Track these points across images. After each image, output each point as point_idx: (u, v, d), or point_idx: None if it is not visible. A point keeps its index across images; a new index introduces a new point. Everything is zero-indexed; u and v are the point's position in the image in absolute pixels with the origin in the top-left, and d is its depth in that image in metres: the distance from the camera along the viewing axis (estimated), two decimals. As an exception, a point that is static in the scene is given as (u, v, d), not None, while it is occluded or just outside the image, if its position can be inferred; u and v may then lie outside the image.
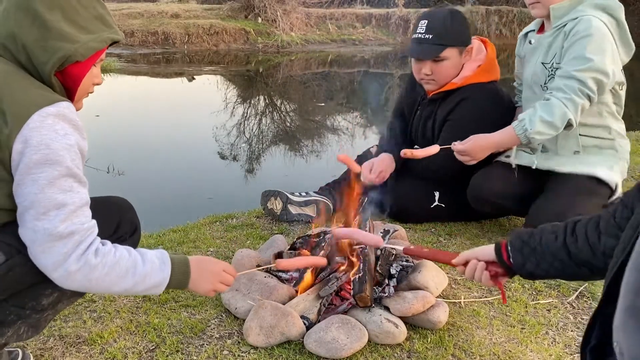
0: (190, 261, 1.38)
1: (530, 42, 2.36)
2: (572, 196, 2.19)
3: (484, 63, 2.48)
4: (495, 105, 2.47)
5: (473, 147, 2.23)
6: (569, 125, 2.12)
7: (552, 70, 2.20)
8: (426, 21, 2.41)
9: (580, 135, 2.27)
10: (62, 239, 1.17)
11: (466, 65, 2.47)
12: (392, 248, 1.66)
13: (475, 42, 2.51)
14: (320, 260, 1.80)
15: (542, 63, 2.25)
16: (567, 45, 2.12)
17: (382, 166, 2.53)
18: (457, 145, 2.26)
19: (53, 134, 1.15)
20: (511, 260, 1.20)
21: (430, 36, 2.39)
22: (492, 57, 2.52)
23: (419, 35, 2.42)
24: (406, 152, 2.28)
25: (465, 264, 1.32)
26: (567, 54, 2.12)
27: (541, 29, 2.36)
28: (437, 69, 2.44)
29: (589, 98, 2.08)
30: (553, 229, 1.15)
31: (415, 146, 2.60)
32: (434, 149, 2.30)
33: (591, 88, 2.07)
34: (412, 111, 2.73)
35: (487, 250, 1.27)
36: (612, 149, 2.31)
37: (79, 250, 1.19)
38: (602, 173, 2.24)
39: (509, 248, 1.21)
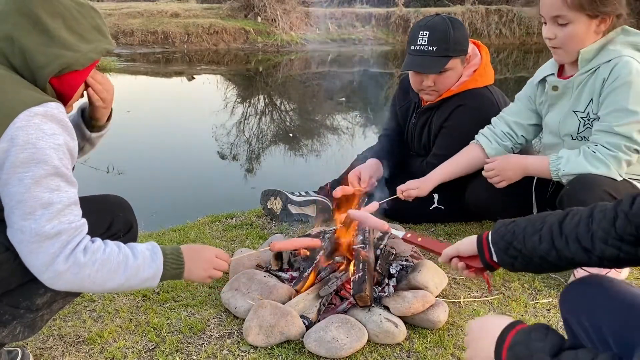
0: (183, 250, 1.40)
1: (554, 88, 2.09)
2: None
3: (479, 67, 2.46)
4: (490, 112, 2.42)
5: (503, 164, 2.13)
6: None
7: (587, 120, 1.99)
8: (427, 32, 2.33)
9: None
10: (50, 239, 1.16)
11: (463, 71, 2.45)
12: (394, 235, 1.68)
13: (470, 45, 2.48)
14: (314, 241, 1.81)
15: (574, 111, 2.02)
16: (605, 92, 1.90)
17: (370, 172, 2.49)
18: (487, 164, 2.17)
19: (40, 133, 1.15)
20: (495, 259, 1.17)
21: (434, 48, 2.32)
22: (487, 61, 2.50)
23: (421, 47, 2.34)
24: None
25: (450, 260, 1.32)
26: (606, 103, 1.90)
27: (560, 70, 2.12)
28: (441, 80, 2.40)
29: (637, 151, 1.90)
30: (534, 228, 1.11)
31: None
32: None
33: (638, 141, 1.87)
34: (406, 118, 2.71)
35: (469, 247, 1.24)
36: None
37: (67, 250, 1.18)
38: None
39: (492, 248, 1.17)
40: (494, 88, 2.53)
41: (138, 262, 1.29)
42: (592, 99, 1.96)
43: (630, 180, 1.97)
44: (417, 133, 2.63)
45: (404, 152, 2.74)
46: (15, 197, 1.14)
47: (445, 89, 2.45)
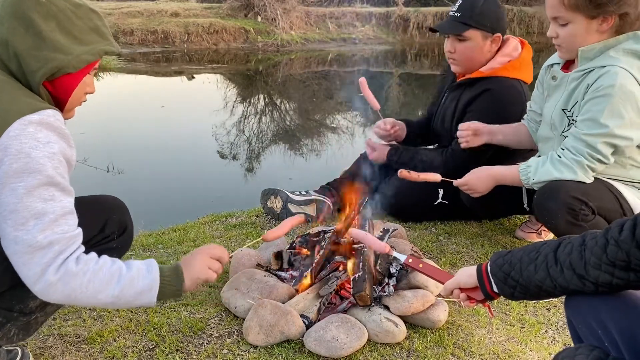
0: (183, 267, 1.34)
1: (553, 78, 2.11)
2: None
3: (515, 60, 2.48)
4: (515, 102, 2.45)
5: (472, 179, 2.19)
6: None
7: (571, 120, 2.01)
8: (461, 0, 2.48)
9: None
10: (41, 250, 1.13)
11: (496, 57, 2.47)
12: (396, 258, 1.69)
13: (513, 40, 2.52)
14: (298, 218, 1.86)
15: (563, 109, 2.04)
16: (586, 99, 1.90)
17: (394, 123, 2.70)
18: (458, 181, 2.22)
19: (34, 142, 1.12)
20: (495, 289, 1.22)
21: (459, 14, 2.44)
22: (526, 58, 2.52)
23: (452, 12, 2.49)
24: (403, 172, 2.25)
25: (452, 292, 1.37)
26: (584, 109, 1.91)
27: (566, 63, 2.11)
28: (459, 48, 2.47)
29: (600, 162, 1.90)
30: (529, 258, 1.15)
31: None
32: (435, 177, 2.26)
33: (602, 153, 1.88)
34: (440, 95, 2.80)
35: (470, 279, 1.29)
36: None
37: (59, 260, 1.15)
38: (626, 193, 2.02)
39: (492, 279, 1.22)
40: (526, 86, 2.54)
41: (132, 273, 1.25)
42: (577, 102, 1.97)
43: (605, 180, 1.97)
44: (445, 109, 2.67)
45: (427, 133, 2.83)
46: (8, 207, 1.12)
47: (466, 62, 2.49)
